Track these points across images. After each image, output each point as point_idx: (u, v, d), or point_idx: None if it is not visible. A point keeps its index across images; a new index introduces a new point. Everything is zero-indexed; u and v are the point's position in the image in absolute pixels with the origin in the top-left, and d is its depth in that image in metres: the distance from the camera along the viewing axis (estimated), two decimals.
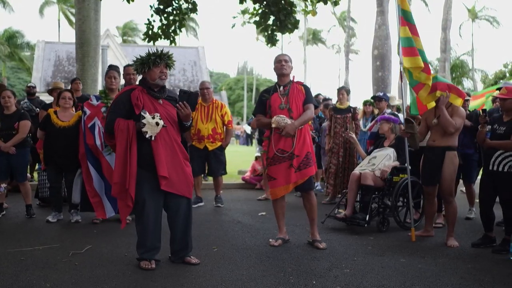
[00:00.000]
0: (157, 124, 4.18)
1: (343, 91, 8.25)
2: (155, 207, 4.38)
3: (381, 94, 8.42)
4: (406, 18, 5.67)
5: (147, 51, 4.42)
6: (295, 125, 5.08)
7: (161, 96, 4.41)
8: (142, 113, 4.21)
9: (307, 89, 5.36)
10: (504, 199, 5.19)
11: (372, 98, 8.61)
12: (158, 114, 4.24)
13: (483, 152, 5.47)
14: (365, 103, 8.89)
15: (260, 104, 5.44)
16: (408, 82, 5.81)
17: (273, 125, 5.16)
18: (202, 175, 8.64)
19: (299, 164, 5.14)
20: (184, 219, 4.48)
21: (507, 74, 32.03)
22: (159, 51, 4.39)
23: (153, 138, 4.22)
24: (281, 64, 5.31)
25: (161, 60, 4.35)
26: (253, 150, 11.40)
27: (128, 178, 4.23)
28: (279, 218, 5.43)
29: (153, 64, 4.34)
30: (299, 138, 5.16)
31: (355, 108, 8.29)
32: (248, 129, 21.47)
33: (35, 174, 9.54)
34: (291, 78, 5.37)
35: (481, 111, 5.40)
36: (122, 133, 4.24)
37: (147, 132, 4.18)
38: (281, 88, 5.32)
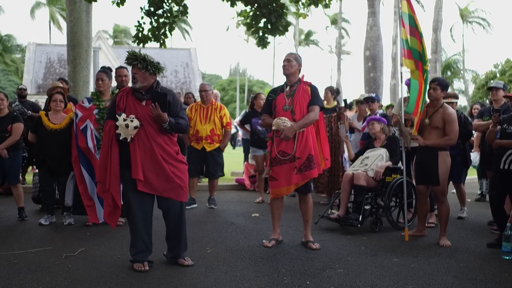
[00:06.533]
0: (127, 126, 4.17)
1: (327, 90, 8.28)
2: (141, 207, 4.37)
3: (373, 95, 8.42)
4: (405, 20, 5.70)
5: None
6: (293, 128, 5.04)
7: (144, 97, 4.33)
8: (116, 115, 4.22)
9: (313, 90, 5.25)
10: None
11: (364, 99, 8.61)
12: (133, 116, 4.21)
13: (494, 152, 5.52)
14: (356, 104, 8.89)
15: (266, 103, 5.43)
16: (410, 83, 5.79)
17: (273, 128, 5.16)
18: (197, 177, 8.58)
19: (300, 166, 5.10)
20: (175, 221, 4.45)
21: (498, 75, 32.25)
22: (130, 52, 4.32)
23: (128, 139, 4.21)
24: (283, 64, 5.26)
25: (129, 61, 4.28)
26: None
27: (108, 178, 4.28)
28: (274, 218, 5.42)
29: (129, 65, 4.36)
30: (300, 140, 5.11)
31: (340, 108, 8.23)
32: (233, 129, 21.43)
33: (27, 177, 9.50)
34: (300, 78, 5.30)
35: (495, 110, 5.45)
36: (106, 134, 4.32)
37: (120, 134, 4.20)
38: (288, 88, 5.28)
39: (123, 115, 4.20)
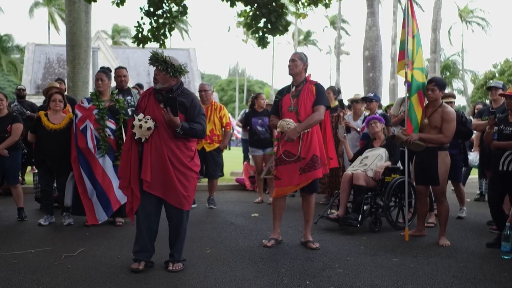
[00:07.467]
0: (141, 126, 4.19)
1: (329, 90, 8.27)
2: (147, 206, 4.35)
3: (371, 95, 8.42)
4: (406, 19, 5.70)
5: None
6: (296, 130, 5.01)
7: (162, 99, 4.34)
8: (134, 115, 4.26)
9: (318, 89, 5.20)
10: None
11: (362, 99, 8.62)
12: (149, 117, 4.24)
13: (492, 153, 5.53)
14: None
15: (274, 105, 5.44)
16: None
17: (278, 129, 5.15)
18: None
19: (304, 166, 5.09)
20: (174, 228, 4.45)
21: (497, 75, 32.25)
22: (153, 53, 4.32)
23: (143, 140, 4.25)
24: (288, 64, 5.25)
25: (151, 61, 4.31)
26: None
27: (129, 175, 4.33)
28: (275, 218, 5.41)
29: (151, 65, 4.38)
30: (305, 141, 5.09)
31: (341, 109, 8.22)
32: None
33: (26, 177, 9.50)
34: (306, 77, 5.27)
35: (491, 111, 5.48)
36: (129, 130, 4.37)
37: (135, 134, 4.23)
38: (294, 88, 5.26)
39: (140, 115, 4.24)
